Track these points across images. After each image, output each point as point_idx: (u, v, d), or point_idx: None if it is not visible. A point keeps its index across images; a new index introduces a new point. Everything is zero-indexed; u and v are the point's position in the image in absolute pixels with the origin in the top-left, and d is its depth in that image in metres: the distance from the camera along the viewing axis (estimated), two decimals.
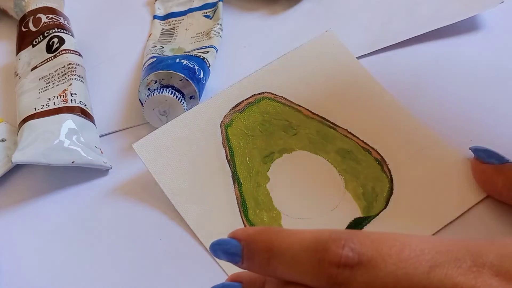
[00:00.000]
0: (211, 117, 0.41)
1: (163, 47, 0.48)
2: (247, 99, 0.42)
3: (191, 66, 0.43)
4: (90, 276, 0.36)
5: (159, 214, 0.38)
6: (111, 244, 0.38)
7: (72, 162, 0.40)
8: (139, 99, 0.43)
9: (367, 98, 0.42)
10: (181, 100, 0.41)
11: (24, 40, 0.48)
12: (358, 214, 0.37)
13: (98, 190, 0.41)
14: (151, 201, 0.39)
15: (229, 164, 0.39)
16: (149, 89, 0.42)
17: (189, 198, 0.38)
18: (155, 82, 0.42)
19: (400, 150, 0.39)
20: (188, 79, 0.42)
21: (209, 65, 0.45)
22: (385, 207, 0.37)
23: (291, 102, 0.42)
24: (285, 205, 0.38)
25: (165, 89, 0.41)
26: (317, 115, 0.41)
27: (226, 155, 0.40)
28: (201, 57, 0.44)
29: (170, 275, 0.36)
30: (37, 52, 0.47)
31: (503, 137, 0.39)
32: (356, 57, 0.45)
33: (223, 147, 0.40)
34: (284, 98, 0.42)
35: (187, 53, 0.46)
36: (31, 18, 0.48)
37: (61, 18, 0.49)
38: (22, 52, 0.48)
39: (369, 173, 0.38)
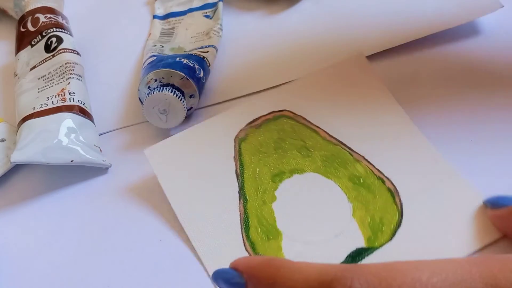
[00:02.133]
0: (226, 130, 0.40)
1: (163, 46, 0.47)
2: (265, 115, 0.41)
3: (191, 65, 0.43)
4: (90, 276, 0.36)
5: (159, 214, 0.38)
6: (110, 244, 0.38)
7: (71, 161, 0.40)
8: (139, 98, 0.43)
9: (389, 126, 0.40)
10: (181, 98, 0.41)
11: (23, 40, 0.48)
12: (362, 243, 0.35)
13: (97, 188, 0.41)
14: (151, 199, 0.39)
15: (237, 179, 0.38)
16: (149, 87, 0.42)
17: (192, 209, 0.37)
18: (155, 81, 0.42)
19: (415, 182, 0.37)
20: (188, 78, 0.42)
21: (209, 64, 0.44)
22: (390, 239, 0.35)
23: (310, 122, 0.40)
24: (288, 226, 0.36)
25: (165, 87, 0.41)
26: (335, 138, 0.40)
27: (236, 170, 0.39)
28: (201, 56, 0.44)
29: (170, 276, 0.36)
30: (35, 52, 0.47)
31: (502, 138, 0.39)
32: None
33: (234, 161, 0.39)
34: (303, 117, 0.41)
35: (187, 52, 0.45)
36: (30, 18, 0.48)
37: (60, 17, 0.49)
38: (21, 52, 0.48)
39: (379, 203, 0.36)
